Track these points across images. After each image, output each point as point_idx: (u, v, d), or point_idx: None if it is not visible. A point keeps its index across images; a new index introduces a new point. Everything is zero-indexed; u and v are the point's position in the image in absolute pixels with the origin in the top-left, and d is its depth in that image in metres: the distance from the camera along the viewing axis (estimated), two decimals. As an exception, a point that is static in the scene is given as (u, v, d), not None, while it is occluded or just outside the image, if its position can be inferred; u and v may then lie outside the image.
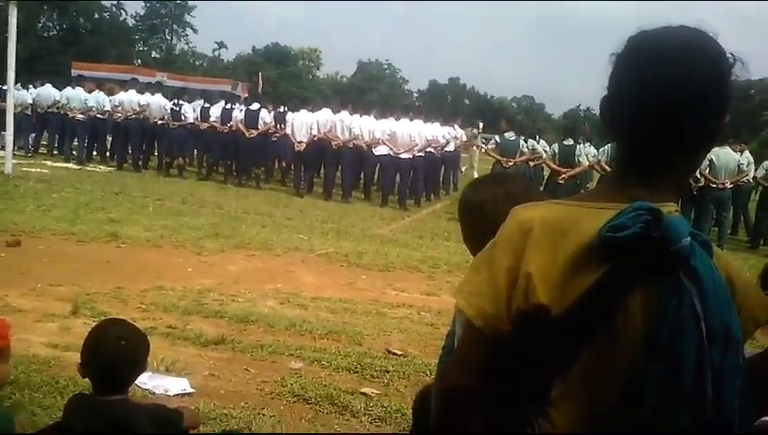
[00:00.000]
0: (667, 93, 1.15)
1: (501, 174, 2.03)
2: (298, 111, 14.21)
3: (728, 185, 11.43)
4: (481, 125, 25.38)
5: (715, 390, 1.09)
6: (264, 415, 3.65)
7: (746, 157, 12.33)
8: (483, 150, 15.22)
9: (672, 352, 1.09)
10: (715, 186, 11.24)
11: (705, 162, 11.02)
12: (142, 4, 64.83)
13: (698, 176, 11.04)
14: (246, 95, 20.26)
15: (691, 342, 1.08)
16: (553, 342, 1.15)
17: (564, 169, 11.23)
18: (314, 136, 13.64)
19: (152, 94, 15.66)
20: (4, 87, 14.33)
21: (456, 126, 17.46)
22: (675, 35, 1.19)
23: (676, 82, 1.14)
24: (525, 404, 1.20)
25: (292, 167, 14.82)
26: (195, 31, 67.82)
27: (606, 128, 1.27)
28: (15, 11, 12.70)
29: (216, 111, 14.81)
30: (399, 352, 4.81)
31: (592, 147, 12.80)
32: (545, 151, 12.92)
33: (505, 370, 1.20)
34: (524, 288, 1.15)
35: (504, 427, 1.23)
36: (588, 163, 11.61)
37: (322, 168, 14.87)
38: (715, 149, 11.12)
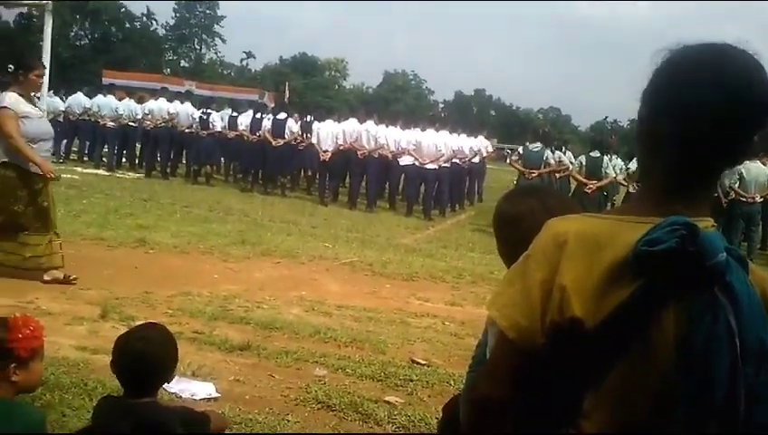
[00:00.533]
0: (709, 111, 1.15)
1: (534, 186, 2.02)
2: (324, 120, 14.32)
3: (758, 199, 11.26)
4: (495, 140, 25.42)
5: (747, 406, 1.08)
6: (288, 421, 3.67)
7: None
8: (507, 162, 15.18)
9: (705, 366, 1.09)
10: (744, 200, 11.08)
11: (735, 176, 10.89)
12: (172, 14, 65.84)
13: (728, 190, 10.89)
14: (273, 105, 20.44)
15: (725, 357, 1.08)
16: (587, 354, 1.15)
17: (591, 182, 11.16)
18: (340, 145, 13.72)
19: (181, 103, 15.88)
20: (38, 95, 14.61)
21: (481, 137, 17.44)
22: (715, 52, 1.20)
23: (718, 100, 1.15)
24: (557, 417, 1.20)
25: (318, 176, 14.92)
26: (223, 41, 68.75)
27: (641, 142, 1.27)
28: (51, 20, 12.95)
29: (244, 120, 14.98)
30: (423, 362, 4.81)
31: (619, 159, 12.72)
32: (571, 163, 12.86)
33: (538, 382, 1.21)
34: (559, 301, 1.16)
35: None
36: (615, 175, 11.53)
37: (347, 177, 14.93)
38: (746, 163, 10.97)
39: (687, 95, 1.17)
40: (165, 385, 2.47)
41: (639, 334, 1.13)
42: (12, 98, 5.76)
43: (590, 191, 11.06)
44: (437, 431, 1.93)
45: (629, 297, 1.13)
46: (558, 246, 1.19)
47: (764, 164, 11.55)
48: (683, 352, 1.11)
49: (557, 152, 12.97)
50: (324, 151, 13.80)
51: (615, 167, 11.93)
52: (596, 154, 11.46)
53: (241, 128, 14.86)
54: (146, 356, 2.21)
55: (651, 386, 1.13)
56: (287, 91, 27.90)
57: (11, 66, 5.88)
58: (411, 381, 4.40)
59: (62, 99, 17.10)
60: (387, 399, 4.08)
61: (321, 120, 14.53)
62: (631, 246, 1.13)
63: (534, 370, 1.21)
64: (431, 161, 13.34)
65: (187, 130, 15.46)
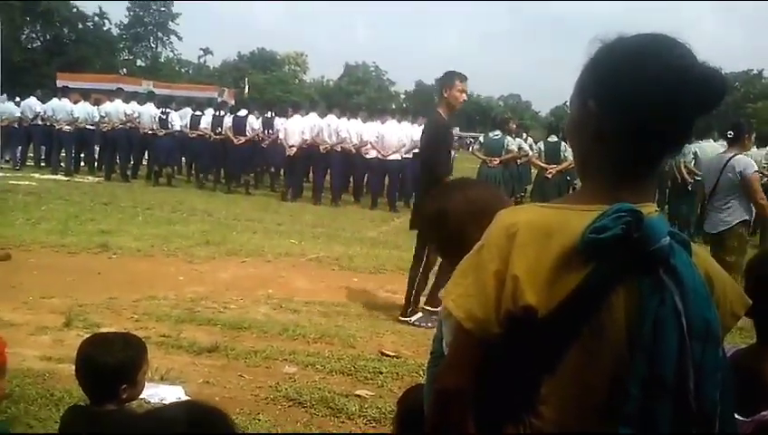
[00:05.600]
0: (651, 100, 1.19)
1: (458, 181, 2.02)
2: (291, 116, 14.20)
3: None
4: (457, 128, 25.54)
5: (696, 383, 1.13)
6: (259, 420, 3.67)
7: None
8: (470, 150, 15.29)
9: (654, 347, 1.13)
10: (699, 178, 11.32)
11: (690, 156, 11.14)
12: (126, 13, 64.63)
13: (683, 169, 11.15)
14: (233, 102, 20.24)
15: (672, 337, 1.13)
16: (541, 341, 1.19)
17: (551, 167, 11.30)
18: (305, 141, 13.65)
19: (141, 104, 15.61)
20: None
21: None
22: (653, 42, 1.23)
23: (659, 89, 1.18)
24: (516, 403, 1.24)
25: (282, 172, 14.83)
26: (179, 38, 67.68)
27: (578, 132, 1.31)
28: (-1, 24, 12.67)
29: (206, 120, 14.80)
30: (392, 354, 4.85)
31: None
32: (531, 149, 12.99)
33: (496, 370, 1.24)
34: (512, 290, 1.19)
35: (496, 426, 1.26)
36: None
37: (310, 172, 14.87)
38: (700, 143, 11.23)
39: (628, 85, 1.20)
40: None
41: (591, 319, 1.17)
42: None
43: (550, 176, 11.20)
44: (394, 424, 1.95)
45: (580, 283, 1.16)
46: (509, 236, 1.21)
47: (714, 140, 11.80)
48: (633, 333, 1.15)
49: (517, 139, 13.07)
50: (290, 147, 13.73)
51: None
52: (554, 139, 11.59)
53: (202, 126, 14.70)
54: (99, 362, 2.19)
55: (605, 368, 1.17)
56: (246, 88, 27.68)
57: None
58: (381, 373, 4.44)
59: (15, 104, 16.70)
60: (357, 392, 4.12)
61: (283, 115, 14.44)
62: (580, 233, 1.17)
63: (492, 359, 1.24)
64: (394, 153, 13.37)
65: (146, 132, 15.23)
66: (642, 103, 1.19)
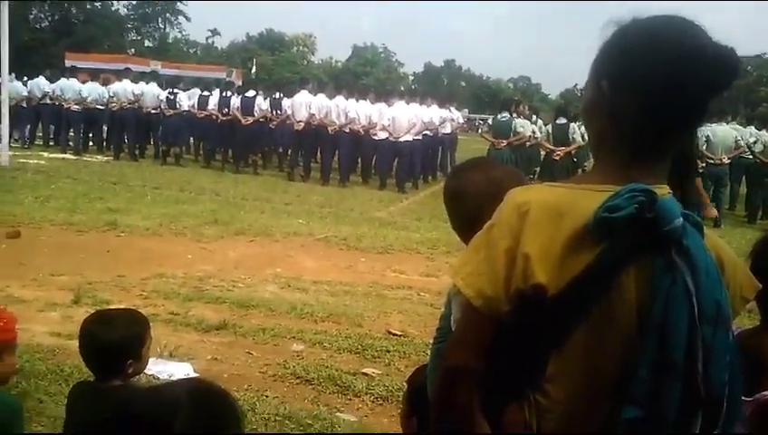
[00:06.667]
0: (665, 81, 1.18)
1: (481, 160, 2.00)
2: (299, 91, 14.15)
3: (725, 160, 11.47)
4: (466, 110, 25.45)
5: (705, 365, 1.12)
6: (267, 397, 3.69)
7: (749, 131, 12.36)
8: (479, 132, 15.23)
9: (665, 327, 1.12)
10: (712, 161, 11.26)
11: (702, 139, 11.05)
12: (134, -8, 64.33)
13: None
14: (241, 82, 20.20)
15: (683, 318, 1.12)
16: (550, 319, 1.18)
17: (559, 149, 11.25)
18: (312, 116, 13.60)
19: (147, 83, 15.63)
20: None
21: (452, 108, 17.44)
22: (667, 23, 1.22)
23: (674, 70, 1.17)
24: (522, 381, 1.23)
25: (289, 152, 14.81)
26: (188, 19, 67.40)
27: (593, 112, 1.29)
28: (7, 4, 12.64)
29: (214, 100, 14.78)
30: (399, 333, 4.86)
31: (587, 126, 12.78)
32: (540, 131, 12.93)
33: (504, 348, 1.23)
34: (523, 268, 1.18)
35: (503, 404, 1.26)
36: (582, 142, 11.62)
37: (318, 153, 14.85)
38: (712, 126, 11.15)
39: (643, 66, 1.19)
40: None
41: (601, 299, 1.16)
42: None
43: (557, 158, 11.16)
44: (402, 403, 1.95)
45: (591, 263, 1.15)
46: (520, 215, 1.21)
47: (743, 126, 11.74)
48: (644, 314, 1.14)
49: (524, 121, 12.98)
50: (298, 122, 13.69)
51: (584, 133, 12.00)
52: (562, 121, 11.54)
53: (210, 107, 14.69)
54: (104, 340, 2.19)
55: (614, 348, 1.16)
56: (254, 68, 27.61)
57: None
58: (388, 352, 4.45)
59: (23, 84, 16.72)
60: (364, 371, 4.13)
61: (290, 96, 14.40)
62: (592, 213, 1.16)
63: (500, 337, 1.23)
64: (403, 134, 13.33)
65: (153, 111, 15.24)
66: (654, 83, 1.18)
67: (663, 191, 1.20)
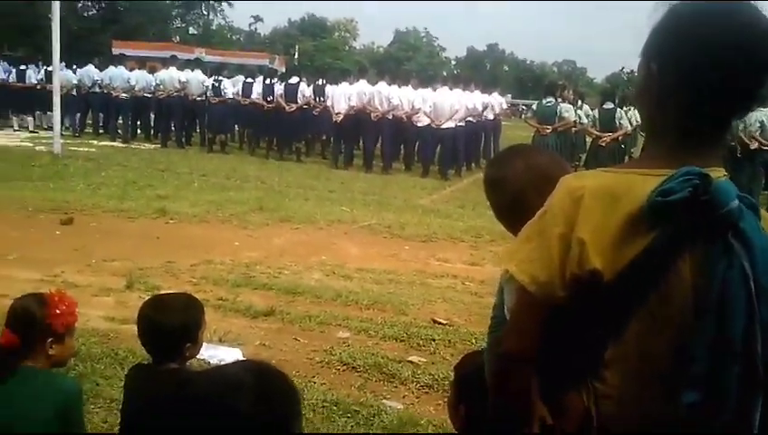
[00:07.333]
0: (718, 63, 1.17)
1: (520, 147, 1.98)
2: (338, 83, 14.21)
3: (782, 147, 11.09)
4: (509, 96, 25.09)
5: (764, 347, 1.12)
6: (314, 383, 3.75)
7: None
8: (522, 118, 15.05)
9: (722, 311, 1.12)
10: (767, 148, 10.92)
11: (757, 124, 10.71)
12: (179, -20, 65.04)
13: (750, 138, 10.72)
14: (284, 69, 20.29)
15: (740, 301, 1.12)
16: (606, 305, 1.19)
17: (605, 135, 11.03)
18: (352, 107, 13.63)
19: (192, 71, 15.83)
20: (50, 68, 14.66)
21: (495, 93, 17.26)
22: (720, 4, 1.21)
23: (727, 51, 1.16)
24: (580, 368, 1.24)
25: (332, 140, 14.88)
26: (231, 5, 67.72)
27: (646, 96, 1.28)
28: (58, -6, 12.92)
29: (258, 87, 14.91)
30: (445, 322, 4.87)
31: (636, 110, 12.53)
32: (586, 117, 12.70)
33: (560, 335, 1.24)
34: (578, 254, 1.19)
35: (562, 390, 1.27)
36: (630, 127, 11.37)
37: (360, 140, 14.86)
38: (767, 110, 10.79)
39: (696, 48, 1.18)
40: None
41: (657, 283, 1.16)
42: None
43: (604, 144, 10.95)
44: (451, 390, 1.96)
45: (646, 247, 1.16)
46: (574, 201, 1.21)
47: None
48: (701, 297, 1.14)
49: (569, 106, 12.76)
50: (337, 113, 13.74)
51: (632, 118, 11.75)
52: (609, 106, 11.31)
53: (254, 95, 14.82)
54: (164, 324, 2.25)
55: (670, 332, 1.17)
56: (296, 55, 27.70)
57: None
58: (433, 340, 4.47)
59: (73, 71, 17.11)
60: (410, 359, 4.16)
61: (334, 83, 14.43)
62: (646, 197, 1.16)
63: (556, 323, 1.24)
64: (446, 121, 13.25)
65: (198, 99, 15.45)
66: (705, 64, 1.17)
67: (718, 174, 1.20)
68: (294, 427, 1.18)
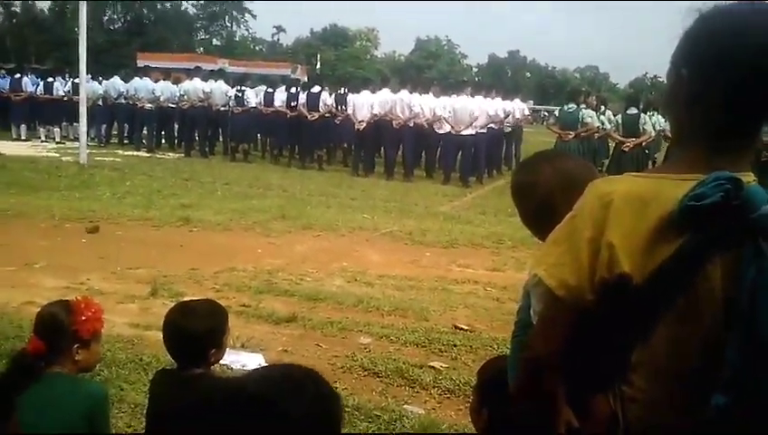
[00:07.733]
0: (749, 68, 1.17)
1: (549, 152, 1.97)
2: (359, 92, 14.28)
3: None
4: (531, 102, 24.97)
5: None
6: (336, 388, 3.73)
7: None
8: (544, 124, 15.00)
9: (752, 316, 1.11)
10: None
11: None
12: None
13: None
14: (306, 78, 20.44)
15: None
16: (635, 309, 1.19)
17: (628, 140, 10.94)
18: (375, 115, 13.68)
19: (215, 81, 16.01)
20: (77, 80, 14.92)
21: (517, 100, 17.21)
22: (750, 9, 1.21)
23: (757, 57, 1.16)
24: (606, 370, 1.24)
25: (353, 148, 14.94)
26: (254, 16, 68.72)
27: (675, 102, 1.28)
28: (85, 6, 13.16)
29: (280, 96, 15.03)
30: (466, 327, 4.86)
31: (660, 116, 12.46)
32: (609, 122, 12.63)
33: (588, 339, 1.25)
34: (607, 258, 1.19)
35: (587, 393, 1.27)
36: (654, 132, 11.26)
37: (382, 148, 14.88)
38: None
39: (726, 54, 1.18)
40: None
41: (686, 288, 1.16)
42: None
43: (627, 150, 10.87)
44: (474, 394, 1.96)
45: (676, 252, 1.16)
46: (604, 205, 1.21)
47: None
48: (730, 303, 1.14)
49: (591, 112, 12.69)
50: (360, 122, 13.80)
51: (655, 124, 11.65)
52: (633, 111, 11.22)
53: (277, 104, 14.95)
54: (190, 329, 2.28)
55: (699, 338, 1.16)
56: (318, 64, 27.88)
57: None
58: (455, 346, 4.47)
59: (99, 83, 17.40)
60: (431, 364, 4.16)
61: (355, 91, 14.51)
62: (676, 202, 1.16)
63: (584, 327, 1.24)
64: (467, 127, 13.25)
65: (222, 109, 15.61)
66: (737, 70, 1.17)
67: (748, 179, 1.19)
68: (341, 429, 1.20)
